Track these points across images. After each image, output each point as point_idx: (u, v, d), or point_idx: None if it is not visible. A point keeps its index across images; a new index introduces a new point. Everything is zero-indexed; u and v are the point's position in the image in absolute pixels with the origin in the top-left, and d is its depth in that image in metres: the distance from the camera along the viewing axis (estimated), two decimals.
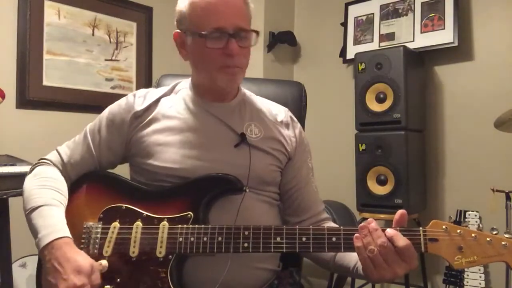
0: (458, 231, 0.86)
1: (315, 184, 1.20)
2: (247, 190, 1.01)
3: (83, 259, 0.91)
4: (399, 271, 0.86)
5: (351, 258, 1.01)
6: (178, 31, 1.10)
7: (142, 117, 1.10)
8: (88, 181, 1.10)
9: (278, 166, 1.12)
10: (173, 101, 1.14)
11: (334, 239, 0.91)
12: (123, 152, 1.13)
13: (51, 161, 1.12)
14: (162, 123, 1.09)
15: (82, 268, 0.89)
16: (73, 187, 1.10)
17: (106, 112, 1.15)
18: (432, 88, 2.69)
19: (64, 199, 1.04)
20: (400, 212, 0.90)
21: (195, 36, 1.03)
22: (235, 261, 0.98)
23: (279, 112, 1.20)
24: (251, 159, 1.04)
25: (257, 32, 1.06)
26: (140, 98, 1.13)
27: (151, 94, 1.15)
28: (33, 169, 1.11)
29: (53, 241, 0.92)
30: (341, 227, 0.92)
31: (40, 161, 1.14)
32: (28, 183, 1.07)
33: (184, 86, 1.18)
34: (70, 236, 0.95)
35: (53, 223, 0.96)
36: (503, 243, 0.85)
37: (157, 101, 1.13)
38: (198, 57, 1.07)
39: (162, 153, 1.05)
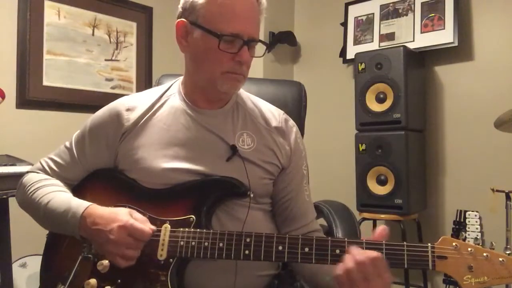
0: (469, 249, 0.82)
1: (308, 192, 1.15)
2: (252, 195, 0.99)
3: (113, 208, 0.95)
4: None
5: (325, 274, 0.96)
6: (184, 20, 1.02)
7: (130, 130, 1.06)
8: (92, 180, 1.10)
9: (270, 178, 1.08)
10: (162, 111, 1.08)
11: (338, 251, 0.86)
12: (112, 165, 1.09)
13: (35, 171, 1.12)
14: (150, 137, 1.04)
15: (117, 213, 0.93)
16: (77, 186, 1.10)
17: (88, 124, 1.10)
18: (432, 88, 2.69)
19: (63, 187, 1.06)
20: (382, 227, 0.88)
21: (207, 33, 0.98)
22: (238, 270, 0.97)
23: (273, 116, 1.13)
24: (245, 171, 1.01)
25: (267, 45, 1.04)
26: (128, 112, 1.07)
27: (140, 103, 1.09)
28: (20, 184, 1.10)
29: (80, 219, 0.94)
30: (345, 239, 0.88)
31: (24, 175, 1.12)
32: (21, 196, 1.08)
33: (174, 91, 1.11)
34: (90, 203, 0.98)
35: (67, 206, 0.98)
36: None
37: (145, 112, 1.07)
38: (203, 54, 1.01)
39: (150, 168, 1.01)
